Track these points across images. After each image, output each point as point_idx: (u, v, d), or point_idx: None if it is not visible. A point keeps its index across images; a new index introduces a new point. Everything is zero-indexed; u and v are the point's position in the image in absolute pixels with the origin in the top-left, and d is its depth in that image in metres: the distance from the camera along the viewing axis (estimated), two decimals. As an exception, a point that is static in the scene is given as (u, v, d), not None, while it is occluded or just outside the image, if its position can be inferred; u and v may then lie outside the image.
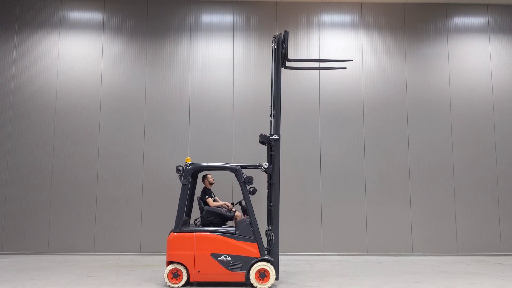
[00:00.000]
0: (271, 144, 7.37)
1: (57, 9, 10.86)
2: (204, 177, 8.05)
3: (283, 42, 7.67)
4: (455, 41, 11.03)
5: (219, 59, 10.85)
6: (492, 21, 11.09)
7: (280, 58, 7.68)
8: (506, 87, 10.91)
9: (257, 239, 6.99)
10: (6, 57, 10.73)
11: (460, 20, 11.09)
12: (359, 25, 11.01)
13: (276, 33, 7.80)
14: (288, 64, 7.97)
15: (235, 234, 7.00)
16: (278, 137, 7.38)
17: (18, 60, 10.74)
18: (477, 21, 11.10)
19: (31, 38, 10.80)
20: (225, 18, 10.96)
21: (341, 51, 10.89)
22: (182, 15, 10.91)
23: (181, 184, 7.26)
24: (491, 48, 11.03)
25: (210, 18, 10.97)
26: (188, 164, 7.30)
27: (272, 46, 7.81)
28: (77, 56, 10.80)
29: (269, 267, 6.87)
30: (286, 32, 7.68)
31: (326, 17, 11.00)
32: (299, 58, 10.73)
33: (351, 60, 8.53)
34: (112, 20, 10.89)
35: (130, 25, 10.89)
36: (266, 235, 7.27)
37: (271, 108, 7.64)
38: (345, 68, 9.16)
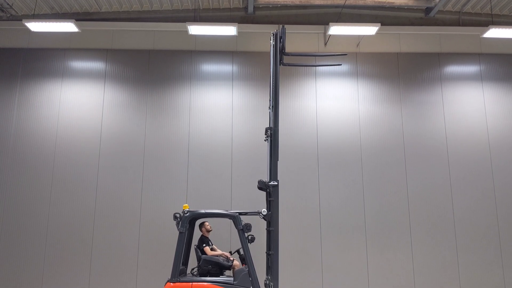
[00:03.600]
0: (270, 190, 7.37)
1: (60, 58, 11.18)
2: (201, 225, 8.00)
3: (280, 37, 7.97)
4: (449, 89, 11.30)
5: (218, 106, 11.06)
6: (484, 69, 11.41)
7: (278, 53, 7.94)
8: (501, 132, 11.07)
9: (255, 289, 6.85)
10: (8, 105, 10.89)
11: (453, 69, 11.42)
12: (355, 74, 11.32)
13: (274, 31, 8.14)
14: (285, 60, 8.25)
15: (233, 285, 6.86)
16: (276, 183, 7.40)
17: (19, 108, 10.91)
18: (470, 69, 11.42)
19: (33, 86, 11.04)
20: (225, 67, 11.27)
21: (337, 99, 11.13)
22: (182, 64, 11.23)
23: (178, 232, 7.20)
24: (484, 95, 11.28)
25: (210, 67, 11.28)
26: (185, 211, 7.27)
27: (270, 43, 8.08)
28: (78, 103, 10.99)
29: (268, 319, 6.68)
30: (283, 27, 8.02)
31: (322, 67, 11.31)
32: (296, 106, 10.97)
33: (346, 54, 8.91)
34: (114, 69, 11.19)
35: (131, 74, 11.18)
36: (265, 285, 7.12)
37: (270, 101, 7.84)
38: (340, 64, 9.42)
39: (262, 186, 7.44)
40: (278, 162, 7.65)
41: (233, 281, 6.90)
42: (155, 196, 10.53)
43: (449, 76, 11.37)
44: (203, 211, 7.38)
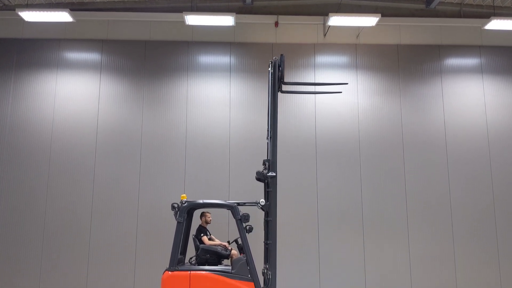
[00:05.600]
0: (268, 181, 7.29)
1: (55, 49, 11.03)
2: (202, 215, 7.93)
3: (279, 66, 7.77)
4: (449, 81, 11.23)
5: (216, 98, 10.97)
6: (485, 62, 11.35)
7: (277, 81, 7.75)
8: (500, 125, 11.02)
9: (253, 278, 6.77)
10: (3, 96, 10.77)
11: (453, 61, 11.35)
12: (354, 66, 11.24)
13: (273, 58, 7.91)
14: (284, 88, 8.06)
15: (231, 273, 6.79)
16: (274, 174, 7.31)
17: (14, 99, 10.78)
18: (470, 62, 11.36)
19: (28, 77, 10.90)
20: (222, 58, 11.16)
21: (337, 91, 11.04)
22: (179, 55, 11.12)
23: (176, 222, 7.12)
24: (484, 87, 11.22)
25: (207, 58, 11.17)
26: (183, 202, 7.19)
27: (269, 70, 7.88)
28: (74, 95, 10.87)
29: (266, 308, 6.62)
30: (282, 56, 7.80)
31: (321, 58, 11.23)
32: (294, 97, 10.88)
33: (347, 84, 8.61)
34: (110, 60, 11.06)
35: (127, 65, 11.06)
36: (263, 274, 7.05)
37: (268, 131, 7.62)
38: (341, 92, 9.13)
39: (260, 177, 7.37)
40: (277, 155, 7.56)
41: (231, 270, 6.83)
42: (152, 186, 10.45)
43: (449, 68, 11.30)
44: (201, 201, 7.30)
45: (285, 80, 8.02)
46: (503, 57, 11.36)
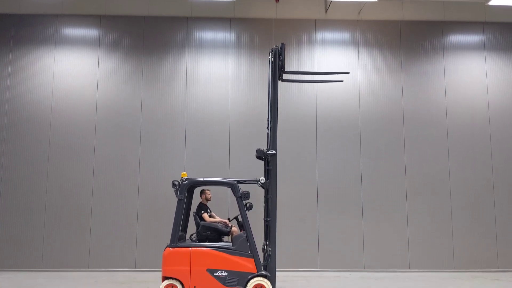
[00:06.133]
0: (268, 159, 7.35)
1: (53, 25, 10.90)
2: (202, 192, 8.01)
3: (279, 55, 7.65)
4: (451, 58, 11.14)
5: (216, 74, 10.90)
6: (488, 39, 11.23)
7: (277, 70, 7.65)
8: (502, 103, 10.99)
9: (253, 255, 6.92)
10: (1, 72, 10.69)
11: (456, 38, 11.23)
12: (356, 42, 11.12)
13: (273, 46, 7.78)
14: (285, 76, 7.95)
15: (231, 250, 6.93)
16: (275, 152, 7.37)
17: (13, 76, 10.72)
18: (473, 38, 11.24)
19: (26, 54, 10.81)
20: (222, 34, 11.04)
21: (338, 68, 10.98)
22: (178, 31, 10.99)
23: (176, 199, 7.21)
24: (486, 65, 11.14)
25: (206, 34, 11.05)
26: (184, 179, 7.26)
27: (269, 59, 7.77)
28: (72, 71, 10.80)
29: (266, 283, 6.78)
30: (282, 45, 7.68)
31: (322, 34, 11.11)
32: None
33: (348, 73, 8.54)
34: (108, 36, 10.94)
35: (126, 41, 10.95)
36: (263, 250, 7.20)
37: (268, 121, 7.61)
38: (342, 81, 9.06)
39: (260, 154, 7.43)
40: (277, 132, 7.58)
41: (232, 246, 6.97)
42: (153, 163, 10.51)
43: (452, 45, 11.19)
44: (201, 179, 7.38)
45: (286, 69, 7.89)
46: (506, 34, 11.23)
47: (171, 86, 10.81)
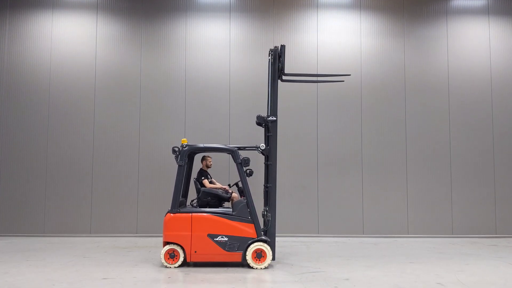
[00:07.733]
0: (268, 125, 7.32)
1: (50, -13, 10.63)
2: (203, 159, 8.02)
3: (279, 56, 7.46)
4: (454, 23, 10.91)
5: (216, 39, 10.71)
6: (492, 3, 10.96)
7: (277, 72, 7.50)
8: (504, 69, 10.85)
9: (253, 220, 6.98)
10: (-1, 37, 10.55)
11: (460, 2, 10.96)
12: (358, 6, 10.86)
13: (273, 47, 7.55)
14: (284, 77, 7.80)
15: (231, 215, 6.99)
16: (275, 118, 7.32)
17: (10, 41, 10.55)
18: (477, 3, 10.97)
19: (23, 18, 10.60)
20: (222, -2, 10.77)
21: (339, 33, 10.76)
22: (178, -6, 10.72)
23: (177, 165, 7.21)
24: (490, 30, 10.92)
25: (206, -2, 10.78)
26: (184, 145, 7.24)
27: (269, 60, 7.62)
28: (70, 36, 10.62)
29: (265, 248, 6.88)
30: (283, 47, 7.48)
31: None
32: (296, 40, 10.63)
33: (349, 75, 8.50)
34: (106, 0, 10.68)
35: (124, 5, 10.70)
36: (263, 216, 7.27)
37: (268, 112, 7.52)
38: (343, 81, 8.85)
39: (260, 121, 7.38)
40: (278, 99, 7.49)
41: (232, 212, 7.02)
42: (153, 129, 10.48)
43: (455, 9, 10.93)
44: (201, 145, 7.36)
45: (286, 70, 7.62)
46: (512, -3, 10.96)
47: (170, 51, 10.64)
